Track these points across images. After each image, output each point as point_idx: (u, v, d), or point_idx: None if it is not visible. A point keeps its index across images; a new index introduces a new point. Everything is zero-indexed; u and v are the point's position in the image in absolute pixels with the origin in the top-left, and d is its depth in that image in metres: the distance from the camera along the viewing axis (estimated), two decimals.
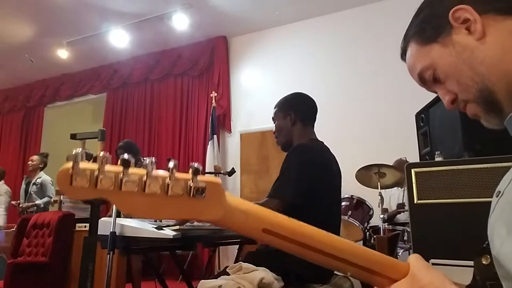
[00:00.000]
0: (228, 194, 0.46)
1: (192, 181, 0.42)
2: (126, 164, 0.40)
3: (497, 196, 0.58)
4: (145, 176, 0.40)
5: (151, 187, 0.40)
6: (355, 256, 0.50)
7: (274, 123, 1.81)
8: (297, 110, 1.74)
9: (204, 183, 0.43)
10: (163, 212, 0.42)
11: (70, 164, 0.38)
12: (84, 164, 0.39)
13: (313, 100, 1.80)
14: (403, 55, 0.74)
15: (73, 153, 0.38)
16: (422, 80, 0.69)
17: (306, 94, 1.82)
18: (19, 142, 7.64)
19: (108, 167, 0.39)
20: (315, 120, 1.80)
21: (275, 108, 1.82)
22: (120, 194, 0.40)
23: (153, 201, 0.41)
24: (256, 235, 0.48)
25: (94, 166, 0.39)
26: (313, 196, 1.50)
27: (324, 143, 1.74)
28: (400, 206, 3.78)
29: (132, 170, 0.40)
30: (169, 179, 0.41)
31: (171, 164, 0.41)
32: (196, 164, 0.42)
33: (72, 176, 0.38)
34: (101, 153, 0.39)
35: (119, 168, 0.40)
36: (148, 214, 0.42)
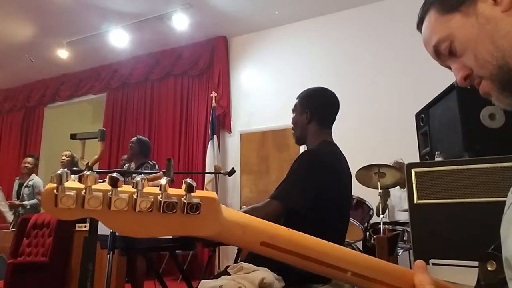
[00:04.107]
0: (224, 207, 0.45)
1: (185, 198, 0.40)
2: (114, 182, 0.38)
3: None
4: (136, 194, 0.39)
5: (142, 205, 0.39)
6: (359, 266, 0.49)
7: (293, 113, 1.74)
8: (314, 109, 1.65)
9: (198, 199, 0.41)
10: (156, 229, 0.41)
11: (54, 185, 0.37)
12: (69, 184, 0.37)
13: (335, 99, 1.70)
14: (419, 25, 0.68)
15: (58, 172, 0.36)
16: (437, 53, 0.64)
17: (328, 92, 1.70)
18: (19, 142, 7.64)
19: (96, 186, 0.38)
20: (333, 121, 1.71)
21: (297, 98, 1.73)
22: (109, 213, 0.38)
23: (145, 219, 0.40)
24: (255, 248, 0.47)
25: (80, 185, 0.37)
26: (319, 204, 1.47)
27: (336, 146, 1.68)
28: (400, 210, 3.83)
29: (121, 188, 0.39)
30: (161, 196, 0.40)
31: (163, 181, 0.40)
32: (189, 180, 0.40)
33: (57, 196, 0.36)
34: (87, 172, 0.38)
35: (107, 187, 0.38)
36: (141, 232, 0.40)
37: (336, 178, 1.56)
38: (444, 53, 0.63)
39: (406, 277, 0.50)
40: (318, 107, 1.67)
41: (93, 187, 0.38)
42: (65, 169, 0.38)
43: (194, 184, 0.41)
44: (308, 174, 1.48)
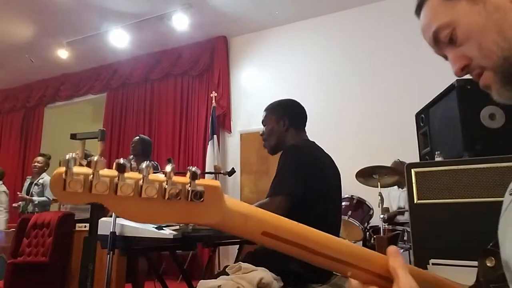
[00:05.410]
0: (227, 197, 0.45)
1: (190, 185, 0.41)
2: (121, 168, 0.39)
3: (510, 195, 0.54)
4: (141, 180, 0.40)
5: (147, 191, 0.40)
6: (360, 259, 0.50)
7: (264, 125, 1.84)
8: (291, 116, 1.78)
9: (202, 187, 0.42)
10: (160, 216, 0.41)
11: (63, 169, 0.37)
12: (77, 169, 0.38)
13: (302, 107, 1.86)
14: (418, 10, 0.64)
15: (66, 157, 0.37)
16: (436, 40, 0.61)
17: (297, 101, 1.87)
18: (19, 142, 7.64)
19: (103, 172, 0.39)
20: (305, 125, 1.84)
21: (266, 111, 1.84)
22: (115, 198, 0.39)
23: (149, 206, 0.40)
24: (256, 238, 0.47)
25: (88, 170, 0.38)
26: (307, 195, 1.51)
27: (316, 143, 1.77)
28: (400, 209, 3.80)
29: (127, 174, 0.39)
30: (166, 183, 0.40)
31: (168, 168, 0.40)
32: (194, 168, 0.41)
33: (66, 181, 0.37)
34: (95, 157, 0.38)
35: (114, 172, 0.39)
36: (145, 218, 0.41)
37: (319, 169, 1.62)
38: (443, 40, 0.60)
39: (381, 263, 0.50)
40: (294, 114, 1.81)
41: (100, 172, 0.38)
42: (73, 154, 0.38)
43: (199, 172, 0.41)
44: (294, 165, 1.55)
